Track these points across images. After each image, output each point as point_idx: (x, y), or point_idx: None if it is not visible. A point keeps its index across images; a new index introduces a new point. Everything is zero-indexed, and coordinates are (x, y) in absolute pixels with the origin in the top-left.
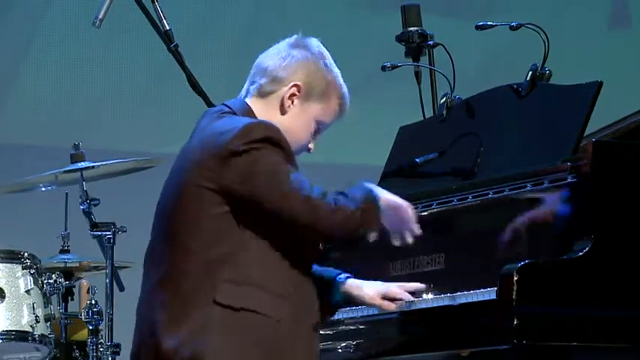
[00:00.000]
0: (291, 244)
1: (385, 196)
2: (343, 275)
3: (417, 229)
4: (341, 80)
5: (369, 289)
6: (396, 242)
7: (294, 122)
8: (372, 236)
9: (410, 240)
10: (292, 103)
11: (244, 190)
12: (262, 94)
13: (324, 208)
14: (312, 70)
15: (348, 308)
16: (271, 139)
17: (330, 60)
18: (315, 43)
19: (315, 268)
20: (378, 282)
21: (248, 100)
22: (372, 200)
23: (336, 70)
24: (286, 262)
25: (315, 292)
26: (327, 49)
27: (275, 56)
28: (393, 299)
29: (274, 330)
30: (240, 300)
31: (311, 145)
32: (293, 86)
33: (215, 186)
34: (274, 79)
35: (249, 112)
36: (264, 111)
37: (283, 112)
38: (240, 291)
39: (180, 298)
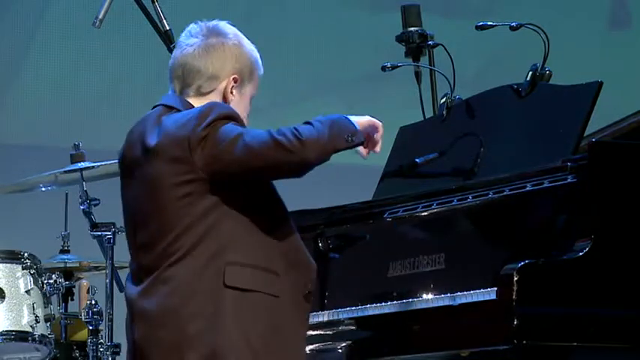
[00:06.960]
0: (271, 219)
1: (355, 118)
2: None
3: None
4: (255, 52)
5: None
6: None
7: (236, 109)
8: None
9: (379, 150)
10: (232, 93)
11: (216, 168)
12: (203, 93)
13: (287, 143)
14: (237, 56)
15: (348, 308)
16: (223, 114)
17: (242, 36)
18: (225, 25)
19: None
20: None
21: (189, 100)
22: (339, 119)
23: (249, 44)
24: (271, 238)
25: (305, 260)
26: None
27: (200, 55)
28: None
29: (276, 307)
30: (247, 281)
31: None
32: (232, 79)
33: (192, 176)
34: (210, 77)
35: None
36: None
37: (226, 103)
38: (245, 272)
39: (187, 287)
